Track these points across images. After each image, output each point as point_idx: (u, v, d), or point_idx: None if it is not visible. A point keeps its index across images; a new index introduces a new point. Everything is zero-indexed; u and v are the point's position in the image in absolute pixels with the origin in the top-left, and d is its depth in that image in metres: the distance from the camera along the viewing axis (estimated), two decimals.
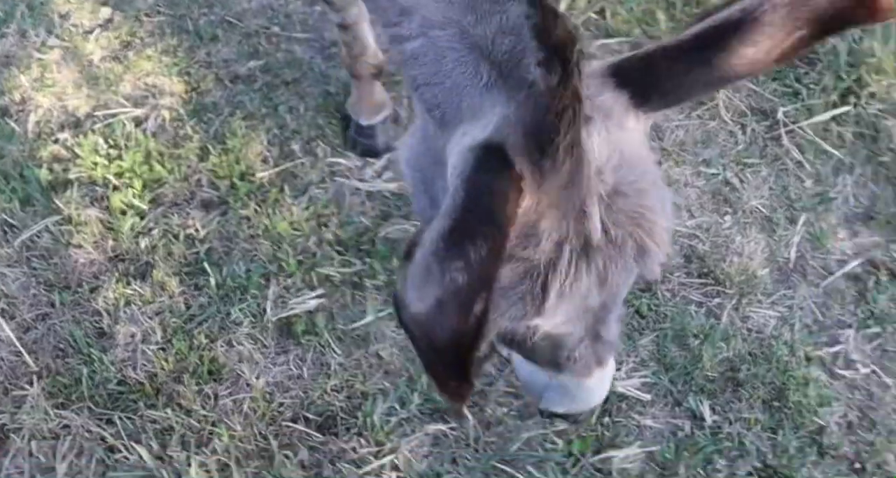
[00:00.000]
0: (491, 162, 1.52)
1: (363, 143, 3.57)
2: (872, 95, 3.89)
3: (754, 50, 1.61)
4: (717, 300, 3.38)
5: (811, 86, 3.90)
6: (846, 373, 3.29)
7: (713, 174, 3.67)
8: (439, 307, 1.43)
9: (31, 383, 3.02)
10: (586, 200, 1.57)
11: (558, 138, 1.49)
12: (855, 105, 3.89)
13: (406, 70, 1.82)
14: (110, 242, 3.30)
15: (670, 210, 1.73)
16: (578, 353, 1.87)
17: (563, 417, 2.25)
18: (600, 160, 1.60)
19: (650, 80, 1.67)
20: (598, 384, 2.00)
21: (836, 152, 3.81)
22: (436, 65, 1.71)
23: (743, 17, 1.61)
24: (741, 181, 3.69)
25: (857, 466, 3.10)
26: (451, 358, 1.49)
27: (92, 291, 3.21)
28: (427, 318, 1.44)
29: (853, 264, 3.54)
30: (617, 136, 1.65)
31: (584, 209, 1.57)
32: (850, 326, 3.41)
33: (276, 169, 3.52)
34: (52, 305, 3.19)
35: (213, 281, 3.22)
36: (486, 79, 1.63)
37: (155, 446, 2.92)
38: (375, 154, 3.58)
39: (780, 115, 3.85)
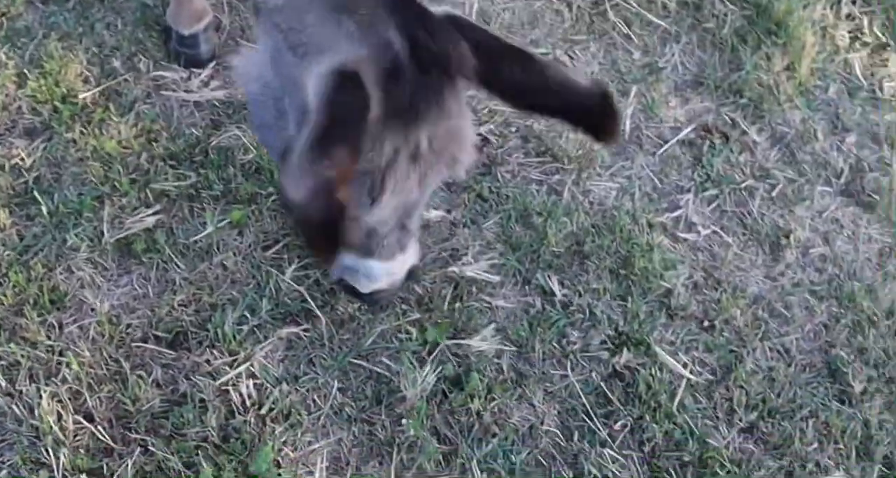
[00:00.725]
0: (347, 85, 1.89)
1: (186, 53, 3.47)
2: None
3: (527, 89, 2.05)
4: (556, 177, 3.41)
5: None
6: (688, 236, 3.37)
7: (542, 53, 3.66)
8: (314, 194, 1.81)
9: None
10: (425, 115, 1.98)
11: (404, 81, 1.93)
12: None
13: (269, 19, 2.17)
14: None
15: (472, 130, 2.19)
16: (387, 241, 2.36)
17: (360, 297, 2.64)
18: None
19: (485, 60, 2.00)
20: (400, 266, 2.49)
21: (661, 22, 3.85)
22: (300, 17, 2.08)
23: (544, 70, 2.04)
24: (571, 58, 3.70)
25: (706, 324, 3.19)
26: (324, 230, 1.91)
27: None
28: (306, 202, 1.81)
29: (686, 131, 3.60)
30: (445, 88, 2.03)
31: (420, 122, 1.99)
32: (688, 190, 3.48)
33: (99, 88, 3.40)
34: None
35: (44, 209, 3.12)
36: (346, 29, 1.99)
37: (3, 382, 2.83)
38: (200, 64, 3.49)
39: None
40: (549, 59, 2.11)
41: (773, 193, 3.50)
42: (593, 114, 2.06)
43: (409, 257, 2.50)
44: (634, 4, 3.84)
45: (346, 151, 1.83)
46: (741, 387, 3.07)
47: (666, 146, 3.55)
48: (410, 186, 2.11)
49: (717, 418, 3.02)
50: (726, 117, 3.64)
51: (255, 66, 2.30)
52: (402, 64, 1.93)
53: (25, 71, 3.41)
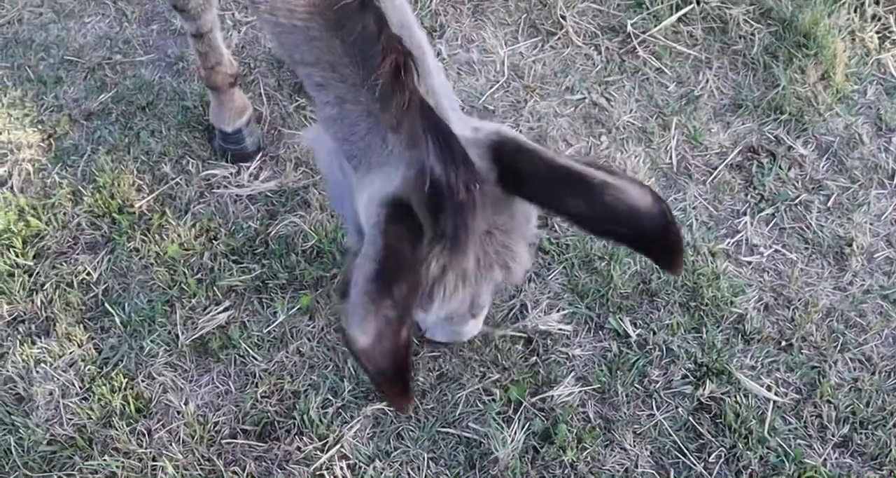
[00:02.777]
0: (399, 215, 1.96)
1: (232, 149, 3.54)
2: None
3: (586, 210, 2.05)
4: None
5: None
6: (751, 258, 3.37)
7: (579, 99, 3.71)
8: (378, 338, 1.85)
9: None
10: (467, 241, 1.99)
11: (446, 206, 1.93)
12: (698, 2, 3.95)
13: (325, 125, 2.23)
14: (5, 307, 3.24)
15: (533, 226, 2.27)
16: (457, 316, 2.61)
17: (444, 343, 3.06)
18: (482, 209, 2.00)
19: (515, 173, 2.08)
20: (473, 328, 2.94)
21: (690, 51, 3.87)
22: (350, 128, 2.13)
23: (602, 187, 2.02)
24: (608, 100, 3.73)
25: (784, 344, 3.18)
26: (393, 374, 1.91)
27: None
28: (371, 348, 1.85)
29: (733, 155, 3.61)
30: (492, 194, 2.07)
31: (464, 248, 2.00)
32: (744, 213, 3.48)
33: (153, 195, 3.48)
34: None
35: (118, 319, 3.19)
36: (391, 148, 2.04)
37: None
38: (247, 157, 3.56)
39: (629, 28, 3.90)
40: (603, 178, 2.02)
41: (829, 204, 3.49)
42: (658, 246, 2.09)
43: (480, 319, 2.92)
44: (661, 38, 3.87)
45: (407, 286, 1.88)
46: (829, 402, 3.05)
47: (715, 173, 3.56)
48: (462, 298, 2.13)
49: (810, 436, 3.01)
50: (770, 135, 3.65)
51: (323, 151, 2.40)
52: (443, 189, 1.92)
53: (80, 188, 3.50)
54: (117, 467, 2.91)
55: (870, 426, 3.01)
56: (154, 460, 2.94)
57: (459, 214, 1.94)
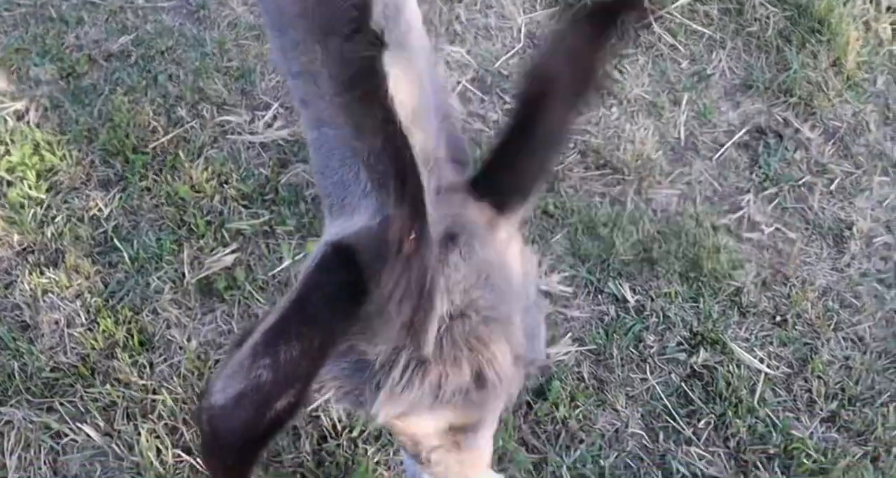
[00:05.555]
0: (334, 262, 1.55)
1: None
2: None
3: (563, 103, 1.61)
4: (618, 188, 3.47)
5: None
6: (752, 235, 3.41)
7: None
8: (237, 400, 1.42)
9: None
10: (427, 315, 1.49)
11: (405, 273, 1.44)
12: None
13: (311, 156, 1.84)
14: (16, 237, 3.28)
15: (536, 345, 1.74)
16: (434, 457, 1.82)
17: None
18: (454, 279, 1.59)
19: (501, 183, 1.67)
20: None
21: (705, 30, 3.92)
22: (327, 159, 1.74)
23: (537, 88, 1.61)
24: (621, 73, 3.78)
25: (779, 319, 3.23)
26: (235, 453, 1.46)
27: (7, 286, 3.20)
28: (223, 409, 1.42)
29: (740, 133, 3.65)
30: (482, 256, 1.63)
31: (424, 325, 1.51)
32: (748, 191, 3.52)
33: (167, 137, 3.52)
34: None
35: (126, 255, 3.23)
36: (364, 186, 1.65)
37: (101, 423, 2.92)
38: None
39: (646, 4, 3.93)
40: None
41: (832, 187, 3.54)
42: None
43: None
44: (678, 15, 3.92)
45: (303, 350, 1.44)
46: (819, 377, 3.10)
47: (722, 150, 3.61)
48: (420, 397, 1.62)
49: (799, 409, 3.06)
50: (778, 117, 3.69)
51: None
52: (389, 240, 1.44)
53: (96, 126, 3.54)
54: (118, 396, 2.96)
55: (857, 404, 3.06)
56: (154, 392, 2.98)
57: (406, 278, 1.44)
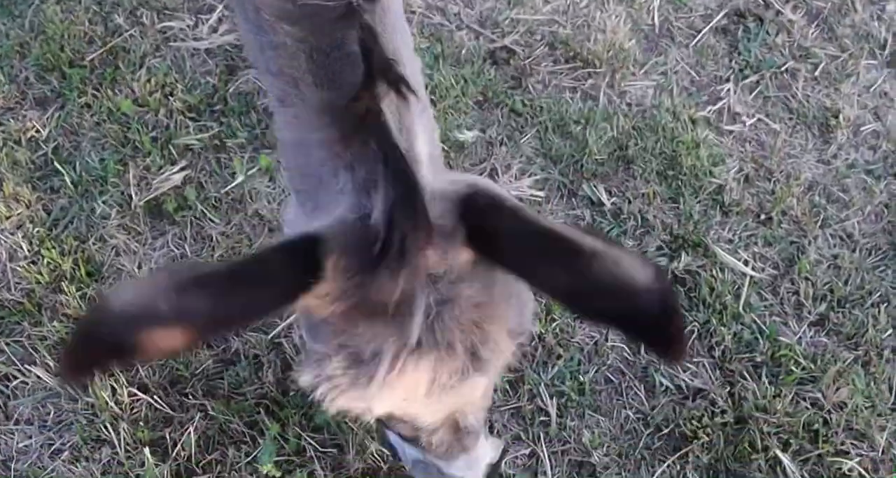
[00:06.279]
0: (297, 250, 1.56)
1: None
2: None
3: (567, 282, 1.54)
4: (590, 82, 3.27)
5: None
6: (733, 127, 3.23)
7: None
8: (132, 313, 1.40)
9: None
10: (412, 305, 1.54)
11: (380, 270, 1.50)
12: None
13: (282, 151, 1.89)
14: None
15: (526, 317, 1.74)
16: (436, 439, 1.87)
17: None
18: (437, 271, 1.59)
19: (490, 236, 1.61)
20: (465, 466, 1.98)
21: None
22: (305, 158, 1.76)
23: (590, 256, 1.52)
24: None
25: (763, 217, 3.07)
26: (103, 348, 1.41)
27: None
28: (116, 310, 1.40)
29: (718, 17, 3.45)
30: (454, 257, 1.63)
31: (410, 313, 1.55)
32: (727, 80, 3.34)
33: (105, 47, 3.29)
34: None
35: (68, 179, 3.03)
36: (341, 185, 1.66)
37: (51, 363, 2.76)
38: None
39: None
40: (594, 247, 1.53)
41: (817, 73, 3.35)
42: (654, 331, 1.59)
43: (479, 458, 2.02)
44: None
45: (215, 301, 1.45)
46: (807, 279, 2.96)
47: (699, 36, 3.40)
48: (415, 384, 1.65)
49: (786, 313, 2.92)
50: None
51: (288, 225, 1.99)
52: (377, 249, 1.51)
53: (27, 39, 3.30)
54: (67, 333, 2.79)
55: (847, 305, 2.93)
56: None
57: (396, 275, 1.50)
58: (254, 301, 1.49)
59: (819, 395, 2.76)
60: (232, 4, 2.03)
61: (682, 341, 1.68)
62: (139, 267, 2.91)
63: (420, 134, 1.76)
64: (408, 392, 1.65)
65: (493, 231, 1.62)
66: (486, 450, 2.03)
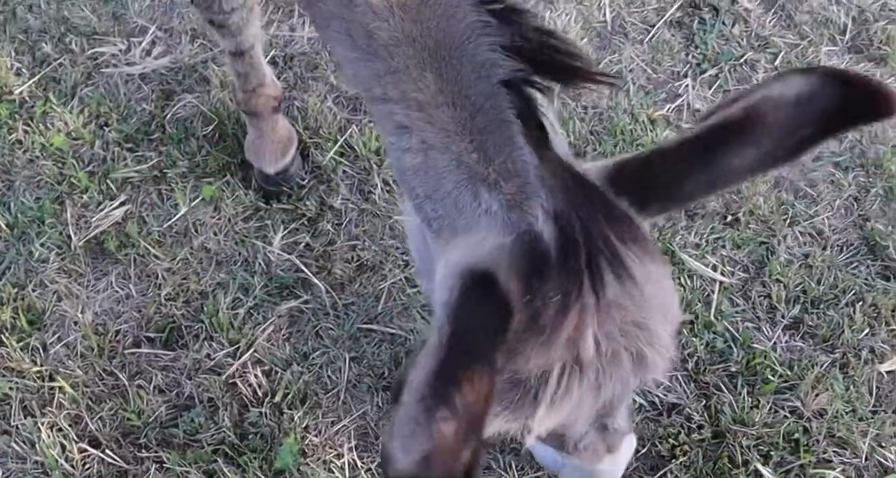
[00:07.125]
0: (480, 292, 1.50)
1: (276, 190, 3.01)
2: None
3: (756, 151, 1.55)
4: None
5: None
6: (694, 125, 3.13)
7: None
8: (426, 461, 1.34)
9: None
10: (583, 324, 1.52)
11: (553, 280, 1.49)
12: None
13: (403, 178, 1.79)
14: None
15: (676, 308, 1.70)
16: (584, 443, 1.84)
17: None
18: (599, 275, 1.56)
19: (650, 186, 1.63)
20: (611, 467, 1.94)
21: None
22: (436, 182, 1.71)
23: (745, 116, 1.55)
24: None
25: (730, 218, 2.99)
26: None
27: None
28: (411, 472, 1.35)
29: (672, 10, 3.36)
30: (630, 276, 1.60)
31: (582, 332, 1.52)
32: (685, 75, 3.24)
33: (34, 79, 3.19)
34: None
35: (2, 222, 2.93)
36: (486, 206, 1.62)
37: None
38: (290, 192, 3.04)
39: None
40: (741, 107, 1.53)
41: (776, 62, 3.26)
42: (859, 100, 1.54)
43: (623, 454, 1.96)
44: None
45: (476, 389, 1.37)
46: (778, 281, 2.87)
47: (653, 31, 3.30)
48: (580, 399, 1.60)
49: (759, 318, 2.83)
50: None
51: (413, 232, 1.96)
52: (550, 257, 1.51)
53: None
54: (10, 388, 2.69)
55: (821, 306, 2.83)
56: (51, 378, 2.71)
57: (575, 281, 1.49)
58: (494, 362, 1.43)
59: (798, 403, 2.68)
60: (325, 37, 1.97)
61: (884, 84, 1.57)
62: (82, 312, 2.79)
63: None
64: (573, 410, 1.61)
65: (666, 183, 1.61)
66: (630, 445, 1.98)
